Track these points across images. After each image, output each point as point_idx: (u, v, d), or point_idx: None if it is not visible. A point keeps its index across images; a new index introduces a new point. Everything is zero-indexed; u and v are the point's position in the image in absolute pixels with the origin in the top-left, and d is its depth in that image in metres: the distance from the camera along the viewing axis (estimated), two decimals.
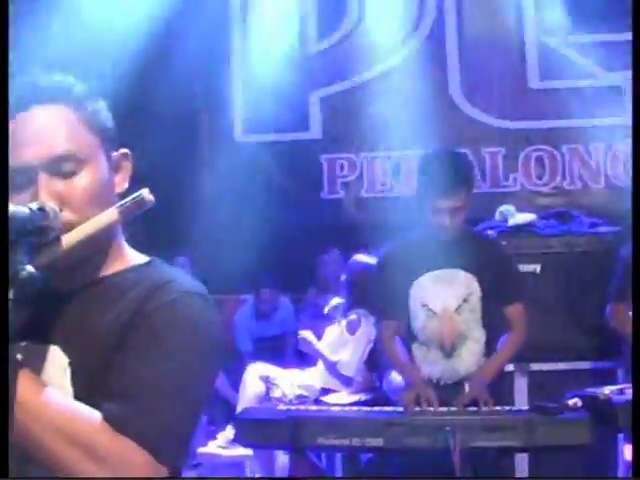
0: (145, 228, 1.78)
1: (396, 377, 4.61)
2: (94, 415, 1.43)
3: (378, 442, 3.51)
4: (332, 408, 4.13)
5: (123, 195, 1.64)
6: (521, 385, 4.97)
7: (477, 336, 4.03)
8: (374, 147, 7.65)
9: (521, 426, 3.56)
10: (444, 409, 3.78)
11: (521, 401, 4.72)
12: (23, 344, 1.50)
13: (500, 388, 4.12)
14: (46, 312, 1.58)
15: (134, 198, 1.52)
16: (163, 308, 1.53)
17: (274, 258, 6.92)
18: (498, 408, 3.83)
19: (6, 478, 1.29)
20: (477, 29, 7.68)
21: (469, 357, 4.02)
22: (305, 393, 5.37)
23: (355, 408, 3.97)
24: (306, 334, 5.76)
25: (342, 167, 7.68)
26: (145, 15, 6.72)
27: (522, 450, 3.94)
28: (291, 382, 5.51)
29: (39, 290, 1.36)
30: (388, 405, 4.27)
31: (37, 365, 1.53)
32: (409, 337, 4.10)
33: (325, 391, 5.44)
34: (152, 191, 1.51)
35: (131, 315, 1.53)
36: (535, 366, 4.99)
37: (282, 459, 5.42)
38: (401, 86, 7.57)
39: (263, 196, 7.20)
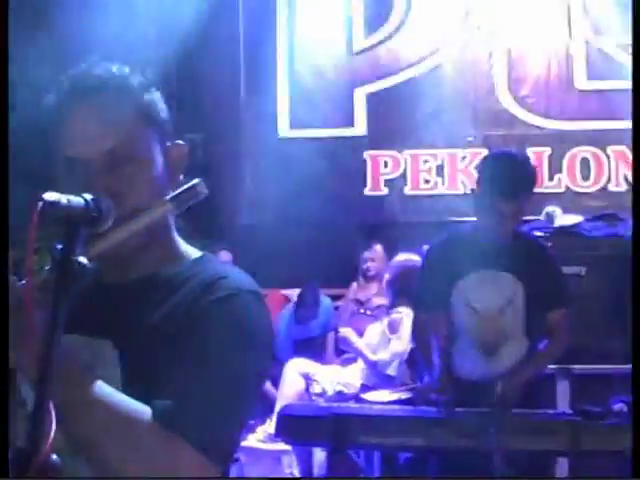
0: (189, 221, 1.76)
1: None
2: (144, 412, 1.41)
3: (419, 442, 3.50)
4: (373, 406, 4.10)
5: (177, 187, 1.64)
6: (563, 388, 4.93)
7: (518, 339, 4.00)
8: (418, 144, 7.60)
9: (564, 430, 3.53)
10: (486, 410, 3.76)
11: (563, 404, 4.68)
12: (73, 336, 1.48)
13: (541, 390, 4.09)
14: (97, 305, 1.57)
15: (187, 189, 1.51)
16: (215, 305, 1.51)
17: (316, 253, 6.91)
18: (541, 411, 3.80)
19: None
20: (524, 27, 7.59)
21: (509, 359, 3.99)
22: (345, 390, 5.36)
23: (397, 407, 3.94)
24: (347, 332, 5.76)
25: (386, 164, 7.63)
26: (192, 5, 6.71)
27: (564, 454, 3.91)
28: (331, 379, 5.50)
29: (91, 282, 1.36)
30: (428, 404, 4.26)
31: (87, 358, 1.52)
32: (449, 334, 4.10)
33: (365, 388, 5.42)
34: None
35: (183, 311, 1.52)
36: (578, 369, 4.95)
37: (319, 455, 5.41)
38: (447, 84, 7.52)
39: (306, 192, 7.17)
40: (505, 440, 3.44)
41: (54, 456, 1.14)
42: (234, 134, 7.58)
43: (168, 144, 1.66)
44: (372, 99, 7.74)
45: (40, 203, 1.28)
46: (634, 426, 2.71)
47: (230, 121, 7.54)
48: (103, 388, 1.41)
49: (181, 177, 1.67)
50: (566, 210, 6.32)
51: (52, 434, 1.17)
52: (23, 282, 1.34)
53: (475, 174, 4.49)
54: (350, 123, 7.71)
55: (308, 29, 7.78)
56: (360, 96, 7.74)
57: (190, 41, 6.63)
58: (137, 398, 1.43)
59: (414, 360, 5.28)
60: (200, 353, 1.47)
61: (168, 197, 1.52)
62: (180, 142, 1.70)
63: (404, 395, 5.17)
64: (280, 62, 7.78)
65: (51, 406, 1.21)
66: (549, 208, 5.60)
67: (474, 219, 4.08)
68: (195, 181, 1.51)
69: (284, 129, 7.73)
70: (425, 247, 5.10)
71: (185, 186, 1.51)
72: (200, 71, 7.24)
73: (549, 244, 4.70)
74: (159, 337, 1.51)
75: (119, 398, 1.43)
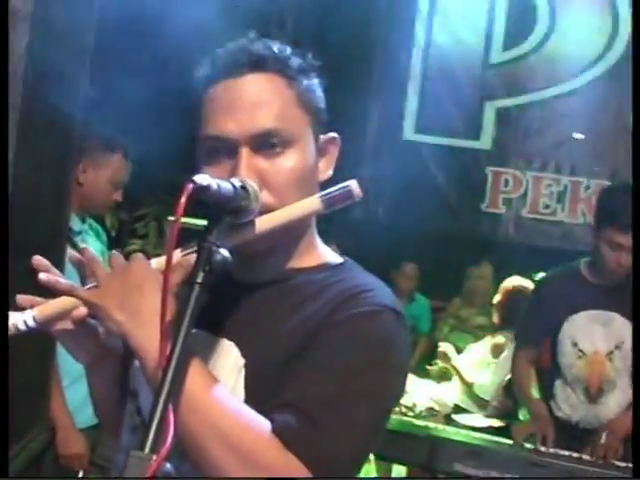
0: None
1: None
2: (263, 425, 1.29)
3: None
4: (471, 433, 3.95)
5: (325, 183, 1.52)
6: None
7: (625, 386, 3.81)
8: (543, 167, 7.41)
9: None
10: (586, 457, 3.61)
11: None
12: (198, 332, 1.38)
13: None
14: (224, 302, 1.46)
15: (341, 189, 1.38)
16: (355, 320, 1.37)
17: (423, 261, 6.80)
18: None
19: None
20: None
21: (614, 406, 3.82)
22: (437, 407, 5.20)
23: (497, 439, 3.79)
24: (446, 348, 5.62)
25: (507, 182, 7.46)
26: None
27: None
28: (425, 393, 5.36)
29: (226, 277, 1.25)
30: None
31: (209, 358, 1.42)
32: (553, 373, 3.96)
33: (457, 409, 5.28)
34: None
35: (319, 321, 1.38)
36: None
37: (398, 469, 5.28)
38: (580, 109, 7.29)
39: (421, 197, 7.05)
40: None
41: (167, 465, 1.04)
42: (360, 131, 7.48)
43: (321, 136, 1.54)
44: (502, 114, 7.57)
45: (190, 185, 1.18)
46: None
47: (357, 118, 7.44)
48: (223, 392, 1.31)
49: (331, 173, 1.56)
50: None
51: (170, 439, 1.06)
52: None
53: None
54: (476, 136, 7.56)
55: (446, 35, 7.64)
56: (490, 110, 7.58)
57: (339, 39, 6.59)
58: (256, 409, 1.32)
59: (512, 388, 5.13)
60: (332, 368, 1.34)
61: (320, 195, 1.40)
62: (334, 134, 1.57)
63: (497, 423, 5.02)
64: (414, 65, 7.66)
65: (171, 409, 1.11)
66: None
67: (589, 250, 3.92)
68: (350, 182, 1.38)
69: (409, 132, 7.61)
70: (538, 275, 4.95)
71: (340, 185, 1.38)
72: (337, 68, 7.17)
73: None
74: (290, 345, 1.39)
75: (239, 406, 1.32)
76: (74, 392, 3.35)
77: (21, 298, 1.42)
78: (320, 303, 1.42)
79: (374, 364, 1.36)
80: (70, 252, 1.53)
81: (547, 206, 7.41)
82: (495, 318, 5.77)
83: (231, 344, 1.43)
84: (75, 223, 3.50)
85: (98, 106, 3.62)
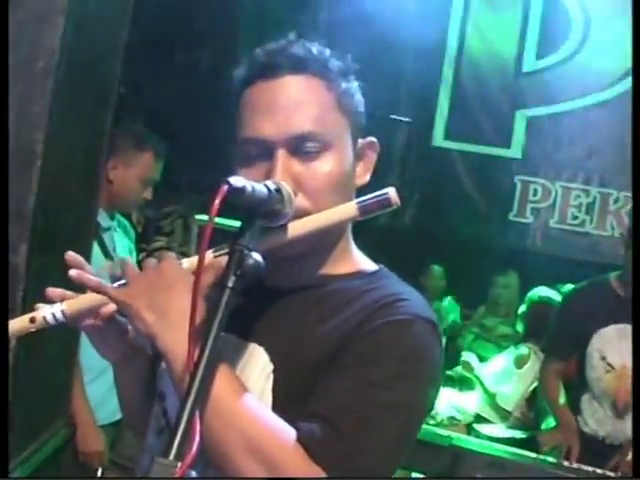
0: None
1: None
2: (289, 433, 1.26)
3: None
4: (494, 444, 3.91)
5: (361, 189, 1.50)
6: None
7: None
8: (573, 178, 7.34)
9: None
10: (610, 473, 3.56)
11: None
12: (227, 335, 1.37)
13: None
14: (254, 306, 1.43)
15: (379, 196, 1.35)
16: (388, 329, 1.34)
17: (448, 268, 6.77)
18: None
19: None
20: None
21: None
22: (458, 416, 5.17)
23: (519, 451, 3.75)
24: (469, 358, 5.57)
25: (535, 192, 7.39)
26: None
27: None
28: (447, 401, 5.32)
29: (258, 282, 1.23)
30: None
31: (237, 362, 1.39)
32: (581, 386, 3.92)
33: (479, 419, 5.23)
34: None
35: (351, 329, 1.35)
36: None
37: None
38: (611, 121, 7.22)
39: (451, 204, 7.00)
40: None
41: (192, 472, 1.02)
42: (389, 136, 7.44)
43: (360, 140, 1.52)
44: (533, 123, 7.50)
45: (225, 187, 1.15)
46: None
47: (387, 123, 7.40)
48: (250, 398, 1.28)
49: (368, 178, 1.53)
50: None
51: (196, 447, 1.04)
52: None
53: (626, 218, 4.31)
54: (506, 144, 7.49)
55: (479, 41, 7.58)
56: (521, 118, 7.52)
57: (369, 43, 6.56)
58: (282, 417, 1.29)
59: (534, 399, 5.09)
60: (363, 378, 1.31)
61: (357, 201, 1.37)
62: (372, 139, 1.54)
63: (519, 434, 4.98)
64: (446, 70, 7.62)
65: (197, 415, 1.08)
66: None
67: (617, 262, 3.88)
68: (389, 189, 1.35)
69: (439, 138, 7.56)
70: (565, 287, 4.90)
71: (378, 192, 1.35)
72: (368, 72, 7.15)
73: None
74: (320, 353, 1.36)
75: (265, 413, 1.30)
76: (95, 388, 3.34)
77: (52, 291, 1.41)
78: (353, 311, 1.39)
79: (406, 376, 1.33)
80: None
81: (575, 217, 7.34)
82: (520, 328, 5.73)
83: (260, 349, 1.41)
84: (103, 219, 3.50)
85: (128, 104, 3.61)
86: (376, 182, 1.43)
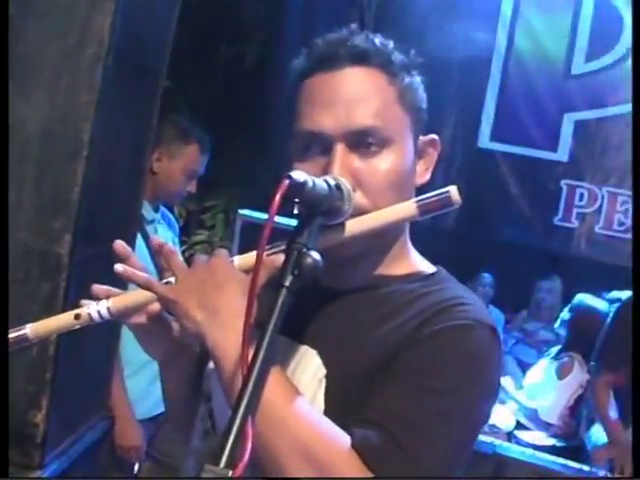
0: None
1: (599, 432, 4.34)
2: (343, 439, 1.20)
3: None
4: (536, 453, 3.84)
5: (421, 188, 1.44)
6: None
7: None
8: (620, 183, 7.22)
9: None
10: None
11: None
12: (278, 337, 1.31)
13: None
14: (307, 307, 1.37)
15: (439, 195, 1.28)
16: (447, 334, 1.27)
17: (492, 272, 6.69)
18: None
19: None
20: None
21: None
22: (498, 424, 5.07)
23: (563, 461, 3.67)
24: (506, 382, 5.44)
25: (581, 197, 7.27)
26: None
27: None
28: None
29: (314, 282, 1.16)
30: (583, 457, 4.02)
31: (288, 365, 1.34)
32: (630, 396, 3.82)
33: (520, 426, 5.13)
34: None
35: (408, 333, 1.29)
36: None
37: None
38: None
39: (495, 207, 6.92)
40: None
41: None
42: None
43: (421, 137, 1.46)
44: (581, 127, 7.38)
45: (287, 181, 1.09)
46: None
47: (432, 122, 7.32)
48: (303, 403, 1.22)
49: (428, 177, 1.47)
50: None
51: (247, 456, 0.97)
52: None
53: None
54: (553, 147, 7.37)
55: (528, 42, 7.48)
56: (569, 122, 7.40)
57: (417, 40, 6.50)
58: (334, 419, 1.23)
59: (577, 408, 5.00)
60: (420, 384, 1.25)
61: (416, 200, 1.31)
62: (434, 136, 1.48)
63: (559, 443, 4.88)
64: (493, 70, 7.52)
65: (250, 421, 1.02)
66: None
67: None
68: (450, 188, 1.28)
69: (484, 140, 7.47)
70: (610, 294, 4.82)
71: (438, 191, 1.29)
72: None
73: None
74: (374, 357, 1.30)
75: (319, 418, 1.24)
76: (135, 383, 3.32)
77: (97, 288, 1.36)
78: (410, 314, 1.33)
79: (466, 382, 1.26)
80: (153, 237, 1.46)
81: (622, 223, 7.21)
82: (562, 334, 5.63)
83: (313, 352, 1.36)
84: (147, 211, 3.47)
85: (173, 97, 3.59)
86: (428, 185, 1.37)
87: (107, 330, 2.91)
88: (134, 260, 1.36)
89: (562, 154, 7.38)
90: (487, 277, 6.79)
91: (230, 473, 0.95)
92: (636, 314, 3.35)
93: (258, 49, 6.92)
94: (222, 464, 0.97)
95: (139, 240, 3.20)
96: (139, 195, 3.10)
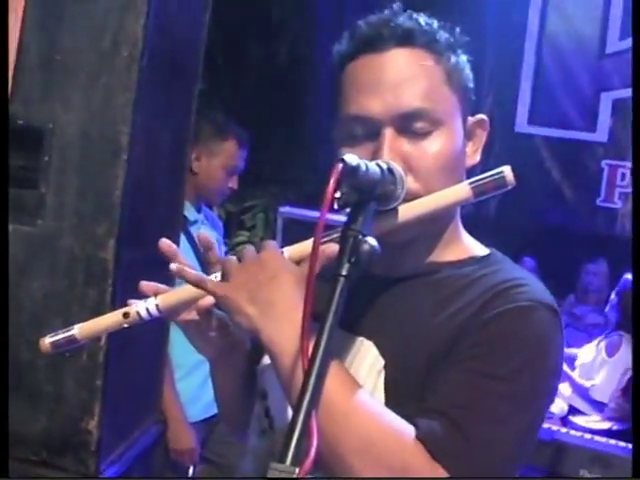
0: None
1: None
2: (407, 431, 1.17)
3: None
4: (595, 437, 3.78)
5: (471, 169, 1.40)
6: None
7: None
8: None
9: None
10: None
11: None
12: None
13: None
14: (363, 298, 1.33)
15: (493, 176, 1.25)
16: (508, 316, 1.24)
17: (537, 257, 6.62)
18: None
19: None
20: None
21: None
22: (552, 410, 5.02)
23: (623, 444, 3.61)
24: None
25: (623, 176, 7.18)
26: None
27: None
28: None
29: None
30: None
31: (345, 357, 1.30)
32: None
33: (573, 410, 5.08)
34: None
35: (467, 318, 1.26)
36: None
37: None
38: None
39: (536, 191, 6.84)
40: None
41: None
42: None
43: (469, 117, 1.42)
44: (619, 105, 7.29)
45: (340, 165, 1.06)
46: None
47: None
48: (364, 396, 1.19)
49: (478, 158, 1.43)
50: None
51: (313, 452, 0.94)
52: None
53: None
54: (592, 127, 7.29)
55: (561, 23, 7.40)
56: (606, 101, 7.31)
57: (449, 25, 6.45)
58: (396, 411, 1.20)
59: (629, 389, 4.93)
60: (481, 369, 1.21)
61: (470, 182, 1.27)
62: (483, 116, 1.45)
63: (615, 426, 4.82)
64: (527, 54, 7.44)
65: (314, 418, 0.99)
66: None
67: None
68: (504, 168, 1.25)
69: (522, 124, 7.39)
70: None
71: (491, 172, 1.25)
72: None
73: None
74: (435, 344, 1.26)
75: (381, 410, 1.20)
76: (186, 385, 3.31)
77: (145, 285, 1.34)
78: (467, 299, 1.29)
79: (529, 365, 1.23)
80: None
81: None
82: (611, 317, 5.57)
83: (370, 343, 1.33)
84: (190, 213, 3.46)
85: (208, 97, 3.57)
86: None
87: (156, 334, 2.90)
88: (181, 258, 1.33)
89: (601, 134, 7.30)
90: (529, 261, 6.72)
91: (297, 470, 0.92)
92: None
93: (289, 46, 6.90)
94: (288, 461, 0.93)
95: (183, 241, 3.19)
96: (181, 196, 3.08)
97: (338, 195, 1.10)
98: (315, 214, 1.12)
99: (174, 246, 1.35)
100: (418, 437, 1.17)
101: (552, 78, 7.35)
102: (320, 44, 6.20)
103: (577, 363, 5.35)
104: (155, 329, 2.85)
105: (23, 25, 2.37)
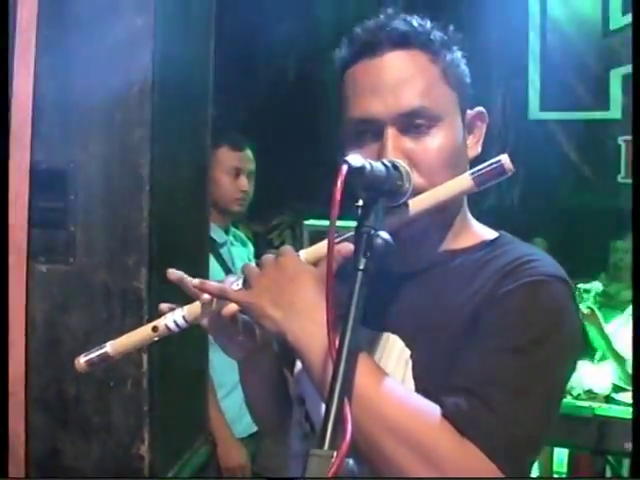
0: None
1: None
2: (434, 411, 1.22)
3: None
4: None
5: (474, 160, 1.46)
6: None
7: None
8: None
9: None
10: None
11: None
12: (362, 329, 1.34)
13: None
14: (381, 294, 1.39)
15: (492, 165, 1.31)
16: (522, 291, 1.29)
17: (564, 240, 6.62)
18: None
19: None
20: None
21: None
22: (595, 389, 5.01)
23: None
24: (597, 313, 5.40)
25: None
26: None
27: None
28: (581, 375, 5.17)
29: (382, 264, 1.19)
30: None
31: (372, 354, 1.35)
32: None
33: (617, 388, 5.07)
34: None
35: (483, 297, 1.31)
36: None
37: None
38: None
39: (557, 176, 6.86)
40: None
41: (350, 461, 0.99)
42: None
43: (468, 111, 1.48)
44: (629, 80, 7.28)
45: (345, 167, 1.13)
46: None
47: (480, 101, 7.29)
48: (393, 385, 1.25)
49: (479, 149, 1.49)
50: None
51: (349, 435, 1.01)
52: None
53: None
54: (605, 106, 7.29)
55: (561, 8, 7.43)
56: (616, 77, 7.31)
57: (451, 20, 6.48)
58: (428, 397, 1.25)
59: None
60: (500, 344, 1.26)
61: (470, 172, 1.33)
62: (481, 109, 1.51)
63: None
64: (532, 42, 7.47)
65: (347, 404, 1.05)
66: None
67: None
68: (502, 157, 1.31)
69: (534, 111, 7.42)
70: None
71: (490, 161, 1.32)
72: None
73: None
74: (455, 328, 1.32)
75: (406, 394, 1.27)
76: (230, 403, 3.36)
77: (165, 306, 1.43)
78: (482, 279, 1.35)
79: (546, 337, 1.28)
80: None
81: None
82: None
83: (395, 337, 1.39)
84: (218, 234, 3.51)
85: (221, 123, 3.63)
86: (477, 163, 1.40)
87: (195, 355, 2.96)
88: (188, 279, 1.41)
89: (615, 111, 7.30)
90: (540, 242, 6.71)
91: (334, 454, 0.99)
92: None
93: (297, 64, 6.97)
94: (326, 446, 1.00)
95: (213, 263, 3.24)
96: (205, 218, 3.14)
97: (360, 203, 1.17)
98: (339, 223, 1.19)
99: (177, 272, 1.42)
100: (444, 415, 1.21)
101: (560, 62, 7.36)
102: (325, 59, 6.25)
103: (618, 338, 5.33)
104: (194, 351, 2.91)
105: (35, 73, 2.46)
